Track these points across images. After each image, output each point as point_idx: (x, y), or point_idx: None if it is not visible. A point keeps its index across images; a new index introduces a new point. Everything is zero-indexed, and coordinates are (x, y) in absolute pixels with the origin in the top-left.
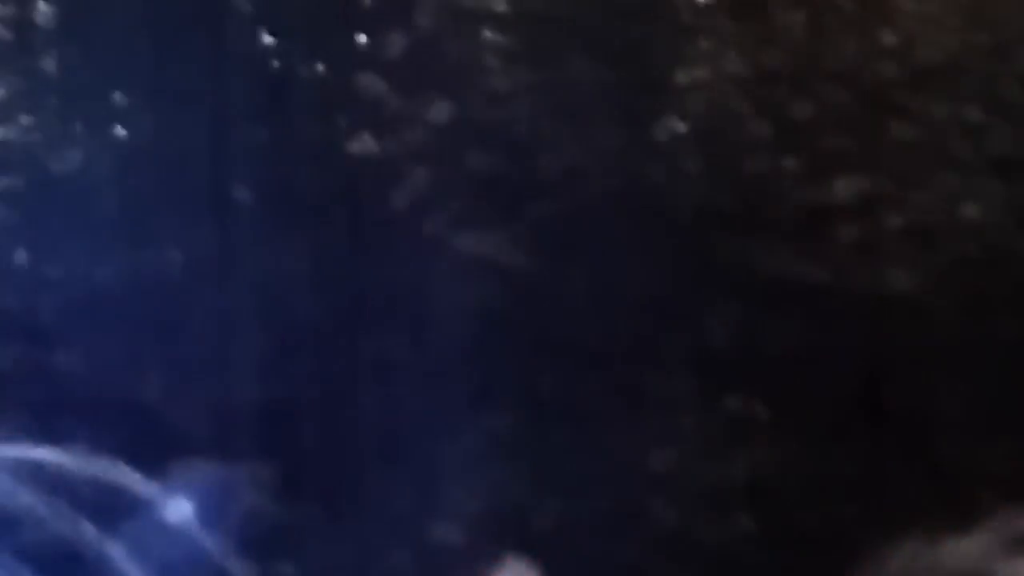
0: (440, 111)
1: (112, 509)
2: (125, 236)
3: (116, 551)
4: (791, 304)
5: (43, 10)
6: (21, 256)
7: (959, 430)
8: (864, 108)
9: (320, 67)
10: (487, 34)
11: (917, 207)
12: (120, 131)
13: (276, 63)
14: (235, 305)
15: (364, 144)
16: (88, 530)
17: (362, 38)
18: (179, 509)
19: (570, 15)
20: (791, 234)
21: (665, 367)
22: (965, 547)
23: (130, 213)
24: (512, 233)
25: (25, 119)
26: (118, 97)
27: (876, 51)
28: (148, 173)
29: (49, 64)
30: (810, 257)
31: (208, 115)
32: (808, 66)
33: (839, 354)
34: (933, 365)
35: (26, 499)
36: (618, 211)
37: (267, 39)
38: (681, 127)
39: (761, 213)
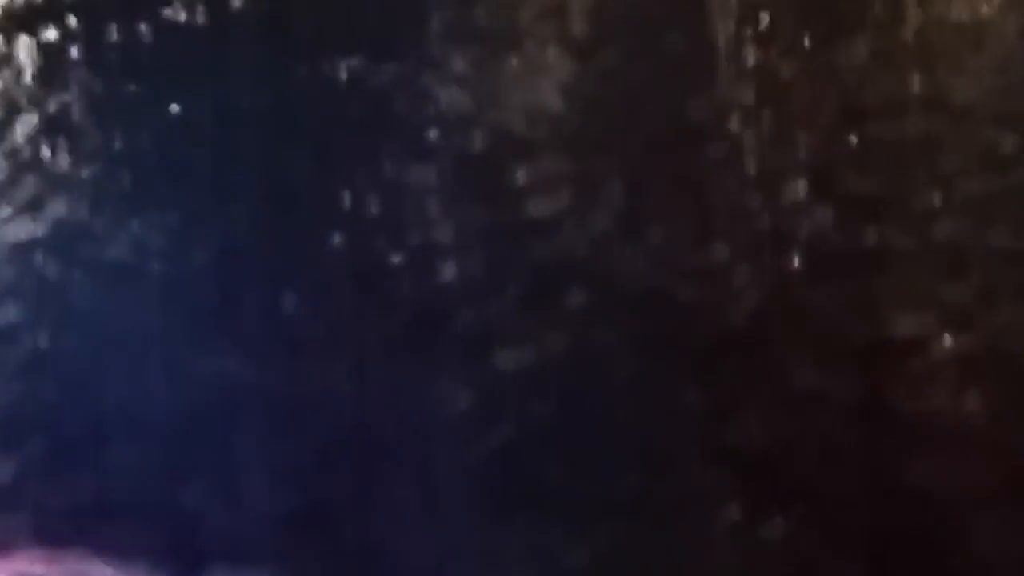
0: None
1: None
2: (173, 342)
3: None
4: (833, 424)
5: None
6: (61, 354)
7: None
8: (921, 245)
9: (365, 186)
10: (530, 160)
11: (977, 336)
12: (171, 245)
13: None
14: (278, 414)
15: (408, 261)
16: None
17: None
18: None
19: (613, 143)
20: (836, 357)
21: (698, 478)
22: None
23: (180, 319)
24: (549, 346)
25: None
26: (167, 215)
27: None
28: (197, 285)
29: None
30: (863, 383)
31: (256, 228)
32: (864, 199)
33: (889, 484)
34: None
35: None
36: (660, 326)
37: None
38: (726, 252)
39: (809, 338)
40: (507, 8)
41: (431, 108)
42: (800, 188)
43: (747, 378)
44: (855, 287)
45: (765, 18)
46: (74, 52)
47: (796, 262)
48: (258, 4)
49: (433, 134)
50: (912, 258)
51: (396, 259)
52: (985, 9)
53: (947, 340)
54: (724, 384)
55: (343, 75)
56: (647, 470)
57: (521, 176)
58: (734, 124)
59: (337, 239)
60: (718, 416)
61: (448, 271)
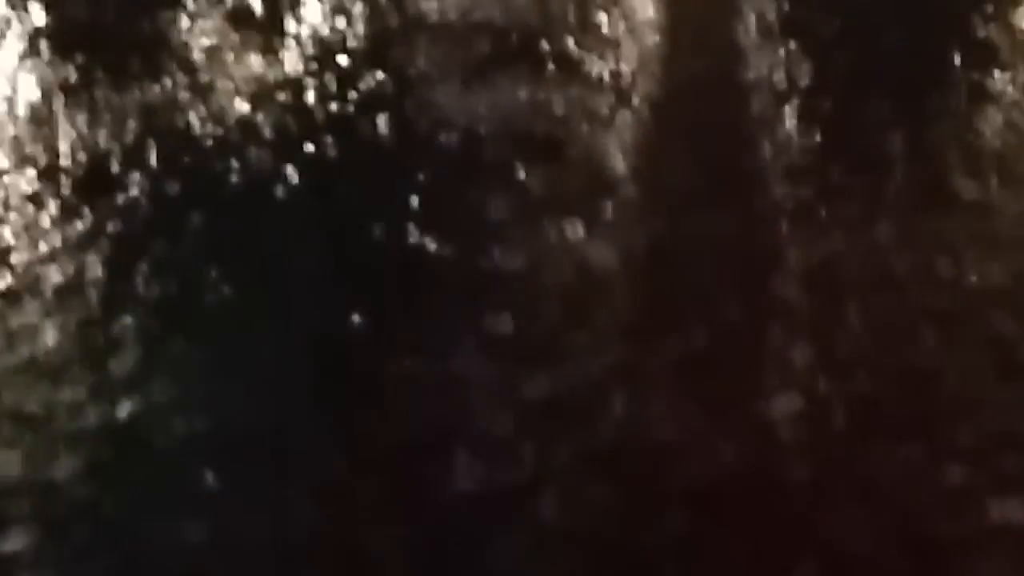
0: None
1: None
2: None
3: None
4: None
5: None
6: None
7: None
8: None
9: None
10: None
11: None
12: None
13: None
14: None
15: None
16: None
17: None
18: None
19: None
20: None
21: None
22: None
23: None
24: (608, 505)
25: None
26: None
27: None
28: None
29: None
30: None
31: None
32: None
33: None
34: None
35: None
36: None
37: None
38: (794, 405)
39: (865, 500)
40: (555, 179)
41: (479, 279)
42: (859, 350)
43: (795, 542)
44: (916, 453)
45: (822, 207)
46: None
47: (854, 427)
48: (311, 175)
49: (478, 305)
50: (969, 425)
51: (443, 428)
52: None
53: (1010, 514)
54: (770, 549)
55: (392, 244)
56: None
57: (570, 341)
58: (792, 289)
59: (385, 407)
60: None
61: (499, 445)
